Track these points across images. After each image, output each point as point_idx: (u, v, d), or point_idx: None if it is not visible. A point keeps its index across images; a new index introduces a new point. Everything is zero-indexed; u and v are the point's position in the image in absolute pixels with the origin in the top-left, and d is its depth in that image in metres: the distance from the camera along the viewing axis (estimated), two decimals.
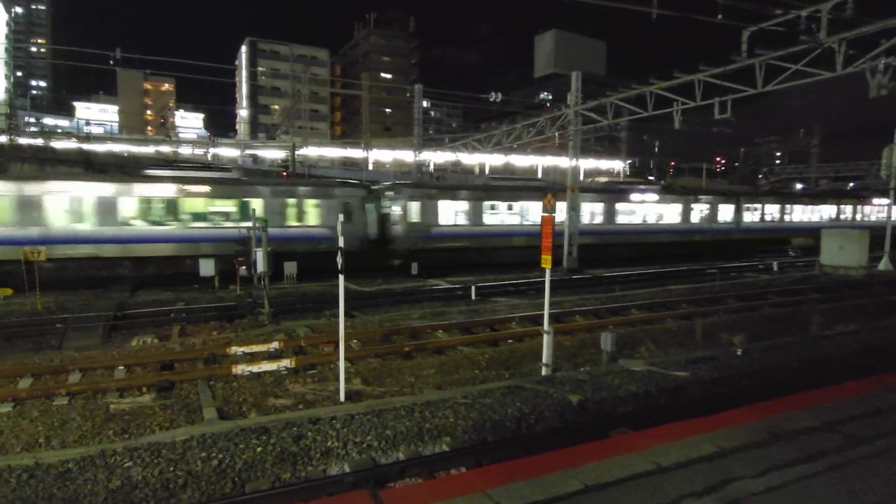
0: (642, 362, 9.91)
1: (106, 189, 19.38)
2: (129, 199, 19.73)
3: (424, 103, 42.20)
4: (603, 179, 53.01)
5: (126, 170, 27.37)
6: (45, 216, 18.44)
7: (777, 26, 14.86)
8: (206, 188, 20.76)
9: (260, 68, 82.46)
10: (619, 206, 28.25)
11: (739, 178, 64.58)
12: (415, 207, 23.43)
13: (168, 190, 20.23)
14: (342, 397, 8.22)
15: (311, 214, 21.96)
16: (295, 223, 21.58)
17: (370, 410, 7.45)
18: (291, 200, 21.53)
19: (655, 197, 29.84)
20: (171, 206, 20.17)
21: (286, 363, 9.81)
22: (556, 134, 23.71)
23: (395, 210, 23.86)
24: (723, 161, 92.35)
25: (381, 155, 53.18)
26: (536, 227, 23.29)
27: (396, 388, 9.01)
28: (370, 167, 48.42)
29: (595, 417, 7.74)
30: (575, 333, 12.44)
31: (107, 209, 19.16)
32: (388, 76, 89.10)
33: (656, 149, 76.92)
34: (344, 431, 6.81)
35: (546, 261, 9.24)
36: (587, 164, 56.15)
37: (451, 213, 24.51)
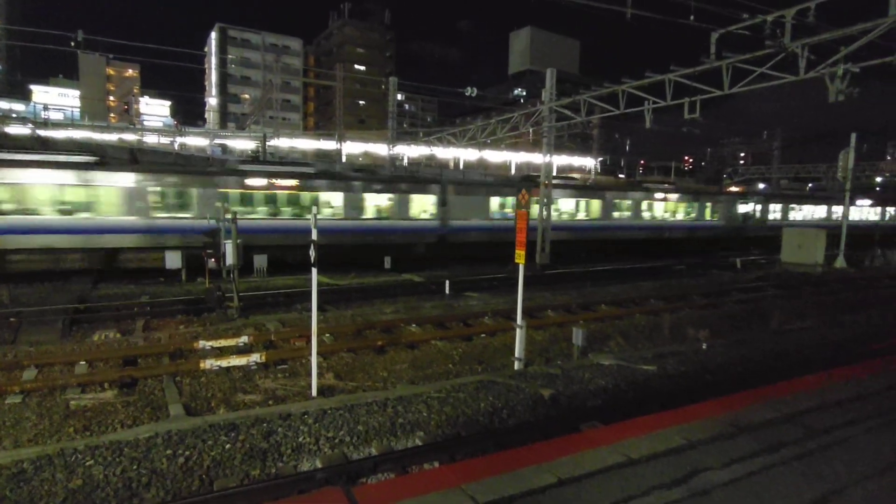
0: (612, 357, 10.10)
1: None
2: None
3: (399, 97, 41.84)
4: (576, 176, 53.77)
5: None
6: None
7: (744, 30, 15.26)
8: (665, 195, 30.50)
9: (230, 56, 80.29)
10: (834, 208, 38.40)
11: (705, 178, 66.33)
12: (759, 208, 34.37)
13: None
14: (314, 392, 8.10)
15: (709, 212, 32.54)
16: (698, 217, 31.96)
17: (342, 405, 7.37)
18: (695, 204, 31.75)
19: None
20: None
21: (256, 358, 9.60)
22: (531, 130, 23.87)
23: (746, 209, 34.16)
24: (690, 160, 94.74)
25: (355, 147, 52.52)
26: (811, 221, 36.83)
27: (369, 383, 8.94)
28: (343, 160, 47.70)
29: (567, 411, 7.84)
30: (547, 328, 12.57)
31: None
32: (363, 68, 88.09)
33: (627, 147, 78.41)
34: (315, 427, 6.71)
35: (520, 255, 9.29)
36: (560, 160, 56.80)
37: (774, 211, 35.56)
